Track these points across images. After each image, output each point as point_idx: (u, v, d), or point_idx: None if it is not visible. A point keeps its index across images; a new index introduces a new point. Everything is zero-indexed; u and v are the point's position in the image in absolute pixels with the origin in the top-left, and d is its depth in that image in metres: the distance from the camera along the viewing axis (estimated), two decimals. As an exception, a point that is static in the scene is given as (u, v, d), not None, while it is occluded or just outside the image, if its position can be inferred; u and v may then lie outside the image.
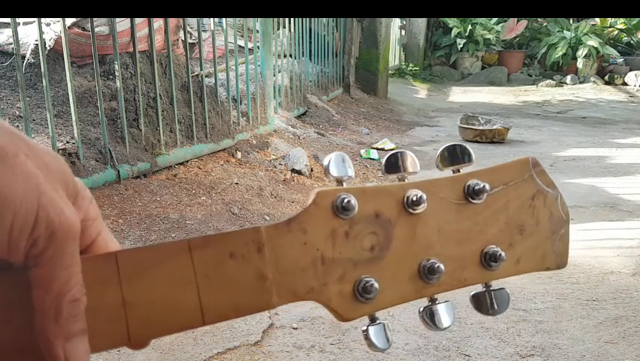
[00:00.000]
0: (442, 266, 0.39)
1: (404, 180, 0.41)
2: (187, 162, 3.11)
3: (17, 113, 2.65)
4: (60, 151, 2.45)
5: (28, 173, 0.29)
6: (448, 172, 0.43)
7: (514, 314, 1.85)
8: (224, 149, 3.42)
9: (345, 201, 0.37)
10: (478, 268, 0.41)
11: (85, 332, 0.32)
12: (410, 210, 0.39)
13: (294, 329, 1.74)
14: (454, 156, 0.42)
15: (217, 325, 1.70)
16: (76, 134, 2.48)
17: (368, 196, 0.38)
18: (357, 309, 0.38)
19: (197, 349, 1.60)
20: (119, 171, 2.61)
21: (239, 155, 3.44)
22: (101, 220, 0.37)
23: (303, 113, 4.98)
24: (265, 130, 3.98)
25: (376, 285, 0.37)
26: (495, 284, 0.43)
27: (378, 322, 0.39)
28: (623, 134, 5.38)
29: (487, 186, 0.41)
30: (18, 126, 2.55)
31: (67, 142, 2.55)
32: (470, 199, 0.41)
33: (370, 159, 4.02)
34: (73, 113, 2.46)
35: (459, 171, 0.42)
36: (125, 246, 2.12)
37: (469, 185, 0.41)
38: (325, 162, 0.39)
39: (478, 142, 4.78)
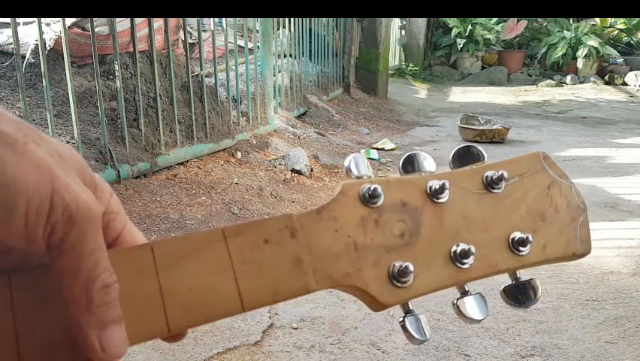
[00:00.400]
0: (472, 248, 0.40)
1: None
2: (187, 162, 3.11)
3: (17, 113, 2.65)
4: (60, 151, 2.45)
5: (40, 159, 0.29)
6: None
7: (514, 314, 1.85)
8: (224, 149, 3.42)
9: (372, 188, 0.38)
10: (507, 253, 0.42)
11: (121, 320, 0.31)
12: (434, 199, 0.40)
13: (294, 329, 1.74)
14: (468, 156, 0.44)
15: (217, 325, 1.70)
16: (76, 135, 2.48)
17: (392, 186, 0.40)
18: (395, 294, 0.38)
19: (197, 349, 1.60)
20: (119, 171, 2.61)
21: (239, 155, 3.44)
22: (124, 213, 0.36)
23: (303, 113, 4.98)
24: (265, 130, 3.98)
25: (411, 268, 0.38)
26: (523, 276, 0.43)
27: (413, 314, 0.39)
28: (623, 134, 5.38)
29: (506, 174, 0.42)
30: (18, 126, 2.55)
31: (68, 142, 2.55)
32: (490, 189, 0.42)
33: (370, 159, 4.02)
34: (73, 113, 2.46)
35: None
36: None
37: (487, 175, 0.42)
38: (346, 163, 0.41)
39: (478, 142, 4.77)
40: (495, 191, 0.42)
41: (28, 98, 2.58)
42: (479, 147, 0.44)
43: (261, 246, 0.36)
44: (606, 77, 9.34)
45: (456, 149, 0.44)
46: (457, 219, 0.41)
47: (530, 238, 0.41)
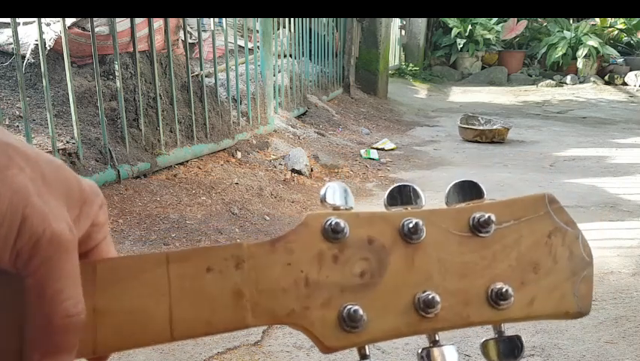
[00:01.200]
0: (437, 298, 0.36)
1: None
2: (187, 162, 3.11)
3: (17, 113, 2.65)
4: (60, 151, 2.45)
5: (18, 185, 0.29)
6: None
7: (514, 314, 1.85)
8: (224, 149, 3.42)
9: (334, 223, 0.35)
10: (483, 305, 0.37)
11: (71, 351, 0.30)
12: (407, 239, 0.37)
13: (294, 329, 1.74)
14: (463, 192, 0.39)
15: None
16: (76, 135, 2.48)
17: (361, 221, 0.36)
18: (342, 338, 0.35)
19: (197, 349, 1.60)
20: (119, 171, 2.61)
21: (239, 155, 3.44)
22: (107, 226, 0.36)
23: (303, 113, 4.98)
24: (265, 130, 3.98)
25: (362, 312, 0.35)
26: (508, 331, 0.39)
27: (369, 359, 0.36)
28: (623, 134, 5.38)
29: (493, 217, 0.37)
30: (18, 126, 2.55)
31: (67, 142, 2.56)
32: (477, 232, 0.38)
33: (370, 159, 4.02)
34: (73, 113, 2.46)
35: None
36: (124, 246, 2.09)
37: (474, 217, 0.38)
38: (322, 192, 0.37)
39: (478, 142, 4.78)
40: (482, 235, 0.38)
41: (28, 98, 2.58)
42: (478, 183, 0.39)
43: (203, 274, 0.34)
44: (606, 77, 9.34)
45: (453, 183, 0.39)
46: (430, 262, 0.37)
47: (511, 292, 0.37)
